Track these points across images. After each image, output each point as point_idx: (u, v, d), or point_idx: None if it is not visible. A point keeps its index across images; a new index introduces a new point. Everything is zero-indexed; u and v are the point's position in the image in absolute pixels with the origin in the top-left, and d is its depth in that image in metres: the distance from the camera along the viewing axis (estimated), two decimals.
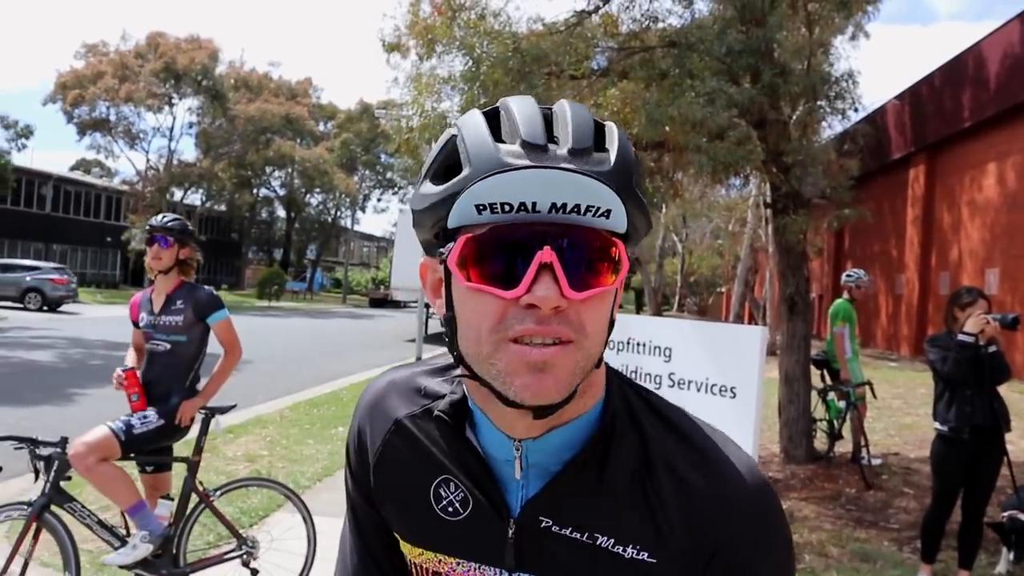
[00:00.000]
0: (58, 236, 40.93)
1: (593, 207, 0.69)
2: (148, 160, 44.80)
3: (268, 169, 50.77)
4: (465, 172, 0.72)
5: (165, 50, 42.32)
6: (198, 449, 3.60)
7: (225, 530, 3.76)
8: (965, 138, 15.80)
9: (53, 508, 3.19)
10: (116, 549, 3.33)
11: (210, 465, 5.87)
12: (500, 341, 0.70)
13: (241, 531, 3.81)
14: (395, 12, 8.82)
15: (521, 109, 0.74)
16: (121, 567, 3.35)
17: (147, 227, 3.66)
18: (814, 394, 7.13)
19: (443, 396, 0.86)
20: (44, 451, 3.21)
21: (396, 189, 57.77)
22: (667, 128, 5.84)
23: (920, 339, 15.85)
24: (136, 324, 3.70)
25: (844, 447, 7.20)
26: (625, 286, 0.77)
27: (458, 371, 0.81)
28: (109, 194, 45.90)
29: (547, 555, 0.80)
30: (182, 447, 3.75)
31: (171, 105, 44.15)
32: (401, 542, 0.91)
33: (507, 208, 0.69)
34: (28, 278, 24.74)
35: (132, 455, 3.47)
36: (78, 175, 48.67)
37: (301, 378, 11.92)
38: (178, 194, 45.00)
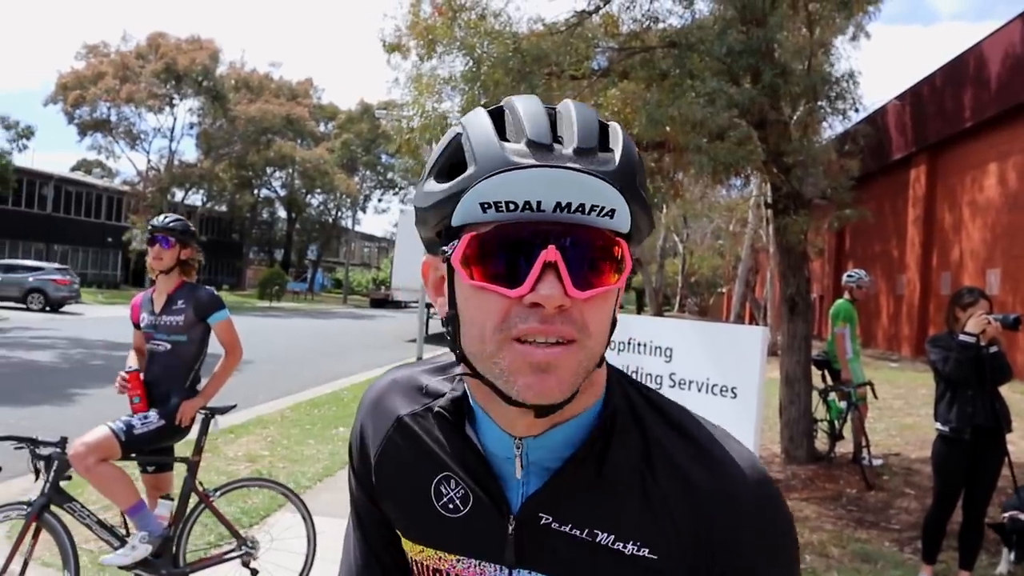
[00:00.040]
0: (59, 236, 40.96)
1: (597, 207, 0.69)
2: (149, 161, 44.88)
3: (269, 170, 50.81)
4: (470, 170, 0.72)
5: (166, 51, 42.36)
6: (198, 449, 3.60)
7: (225, 530, 3.76)
8: (966, 138, 15.80)
9: (53, 508, 3.19)
10: (116, 549, 3.33)
11: (211, 465, 5.87)
12: (504, 340, 0.71)
13: (241, 531, 3.81)
14: (396, 12, 8.81)
15: (526, 108, 0.74)
16: (120, 567, 3.35)
17: (149, 227, 3.67)
18: (815, 394, 7.13)
19: (444, 394, 0.87)
20: (44, 451, 3.21)
21: (397, 190, 57.80)
22: (668, 128, 5.84)
23: (921, 339, 15.85)
24: (136, 326, 3.70)
25: (845, 447, 7.20)
26: (626, 286, 0.77)
27: (459, 369, 0.81)
28: (110, 195, 45.94)
29: (547, 552, 0.80)
30: (183, 447, 3.75)
31: (172, 106, 44.21)
32: (403, 539, 0.91)
33: (512, 207, 0.69)
34: (31, 279, 24.78)
35: (133, 455, 3.47)
36: (79, 175, 48.72)
37: (302, 378, 11.92)
38: (179, 195, 45.04)
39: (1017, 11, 13.68)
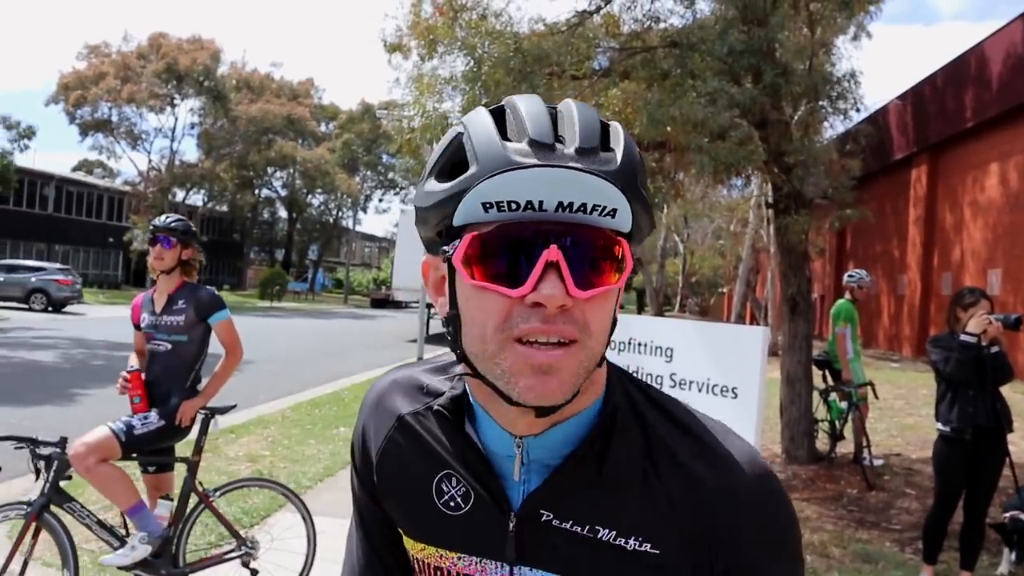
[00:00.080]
0: (60, 237, 41.00)
1: (599, 206, 0.69)
2: (150, 161, 44.92)
3: (270, 170, 50.83)
4: (472, 170, 0.71)
5: (167, 51, 42.38)
6: (198, 449, 3.60)
7: (225, 530, 3.75)
8: (967, 138, 15.79)
9: (53, 508, 3.19)
10: (115, 549, 3.33)
11: (212, 465, 5.88)
12: (505, 340, 0.71)
13: (241, 531, 3.81)
14: (397, 12, 8.82)
15: (528, 108, 0.74)
16: (120, 568, 3.35)
17: (150, 227, 3.67)
18: (816, 395, 7.12)
19: (444, 393, 0.87)
20: (44, 451, 3.21)
21: (398, 190, 57.82)
22: (668, 128, 5.84)
23: (922, 340, 15.84)
24: (137, 326, 3.70)
25: (846, 448, 7.20)
26: (627, 286, 0.77)
27: (460, 369, 0.81)
28: (111, 195, 45.98)
29: (548, 548, 0.80)
30: (183, 447, 3.75)
31: (173, 106, 44.24)
32: (404, 538, 0.91)
33: (514, 206, 0.69)
34: (33, 279, 24.79)
35: (133, 456, 3.47)
36: (80, 176, 48.79)
37: (303, 378, 11.92)
38: (180, 195, 45.08)
39: (1018, 11, 13.70)
